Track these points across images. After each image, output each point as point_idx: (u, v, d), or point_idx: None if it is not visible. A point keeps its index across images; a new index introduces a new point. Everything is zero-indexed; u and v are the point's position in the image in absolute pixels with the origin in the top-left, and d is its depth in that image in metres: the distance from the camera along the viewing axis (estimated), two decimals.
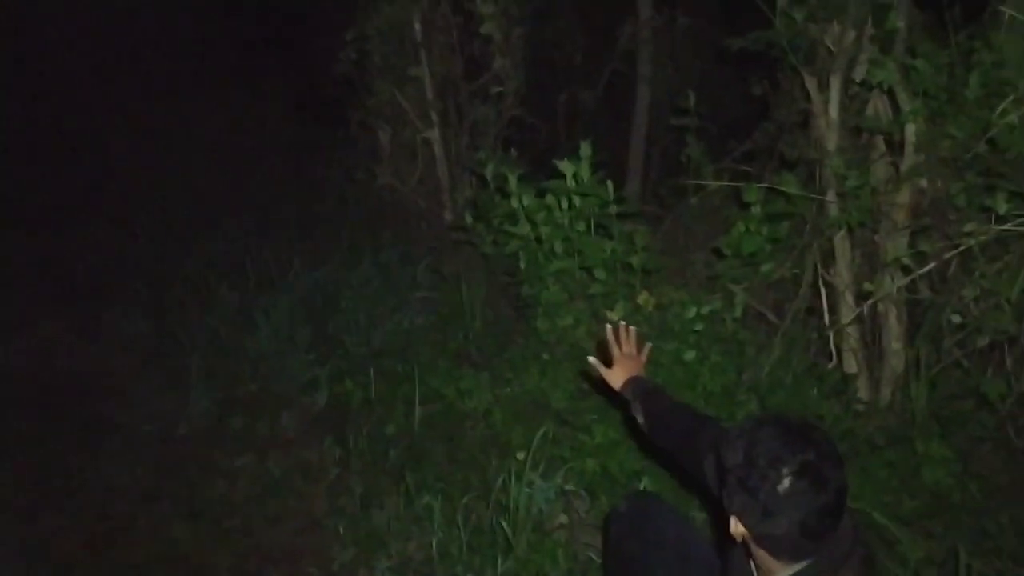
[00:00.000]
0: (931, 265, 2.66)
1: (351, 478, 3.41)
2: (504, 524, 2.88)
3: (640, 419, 2.38)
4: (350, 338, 4.30)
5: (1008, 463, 2.97)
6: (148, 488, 3.44)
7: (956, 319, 2.70)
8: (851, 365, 3.37)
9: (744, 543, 1.71)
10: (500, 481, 3.03)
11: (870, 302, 2.94)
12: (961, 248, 2.59)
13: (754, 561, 1.74)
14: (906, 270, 2.76)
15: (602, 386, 2.57)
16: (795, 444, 1.59)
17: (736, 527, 1.65)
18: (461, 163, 5.11)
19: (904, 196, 3.06)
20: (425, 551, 2.96)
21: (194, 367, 4.15)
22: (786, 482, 1.56)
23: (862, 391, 3.32)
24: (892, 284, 2.76)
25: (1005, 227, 2.51)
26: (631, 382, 2.45)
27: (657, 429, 2.33)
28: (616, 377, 2.49)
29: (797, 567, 1.64)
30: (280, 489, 3.41)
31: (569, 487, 3.12)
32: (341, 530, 3.15)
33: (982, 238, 2.55)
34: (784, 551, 1.62)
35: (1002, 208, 2.51)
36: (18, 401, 4.04)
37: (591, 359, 2.52)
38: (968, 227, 2.60)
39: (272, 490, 3.40)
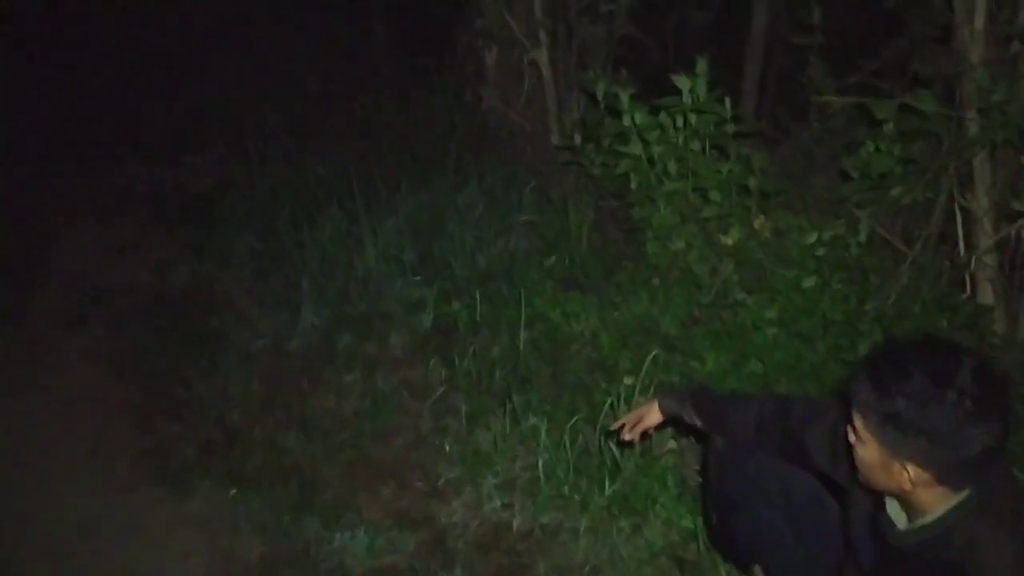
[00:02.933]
0: None
1: (457, 397, 3.41)
2: (612, 447, 2.83)
3: (698, 421, 2.22)
4: (456, 260, 4.28)
5: None
6: (261, 400, 3.51)
7: None
8: (986, 296, 3.16)
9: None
10: (608, 405, 2.97)
11: (1017, 226, 2.72)
12: None
13: (905, 501, 1.62)
14: None
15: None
16: (951, 357, 1.47)
17: (911, 477, 1.51)
18: (569, 84, 4.96)
19: None
20: (531, 471, 2.94)
21: (304, 285, 4.20)
22: (968, 401, 1.43)
23: (998, 324, 3.12)
24: None
25: None
26: (664, 400, 2.28)
27: (720, 424, 2.16)
28: (650, 414, 2.30)
29: (958, 498, 1.53)
30: (387, 405, 3.44)
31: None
32: (447, 447, 3.16)
33: None
34: (958, 478, 1.51)
35: None
36: (137, 316, 4.16)
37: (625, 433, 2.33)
38: None
39: (380, 406, 3.43)
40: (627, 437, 2.31)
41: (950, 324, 3.09)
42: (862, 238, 3.25)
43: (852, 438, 1.59)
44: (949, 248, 3.26)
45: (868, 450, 1.55)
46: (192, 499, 3.01)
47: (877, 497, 1.69)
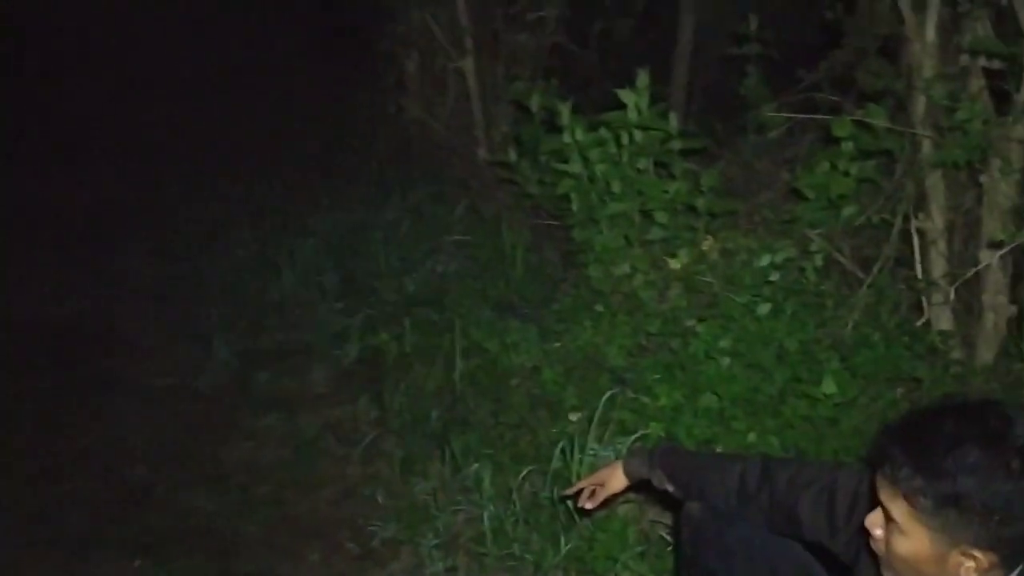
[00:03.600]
0: None
1: (389, 440, 3.13)
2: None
3: (670, 487, 1.94)
4: (381, 284, 3.99)
5: None
6: (165, 451, 3.16)
7: None
8: (943, 321, 3.02)
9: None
10: (559, 448, 2.72)
11: (1004, 251, 2.58)
12: None
13: None
14: None
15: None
16: (997, 418, 1.27)
17: (976, 565, 1.28)
18: (497, 95, 4.72)
19: (1020, 131, 2.68)
20: (475, 526, 2.67)
21: (212, 315, 3.84)
22: (1007, 479, 1.22)
23: (956, 351, 2.99)
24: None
25: None
26: (630, 463, 2.00)
27: (696, 490, 1.89)
28: (612, 480, 2.02)
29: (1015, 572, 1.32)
30: (312, 452, 3.13)
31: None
32: (380, 499, 2.87)
33: None
34: (1020, 553, 1.29)
35: None
36: (23, 353, 3.74)
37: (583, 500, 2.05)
38: None
39: (303, 453, 3.12)
40: (587, 506, 2.04)
41: (910, 352, 2.94)
42: (818, 262, 3.08)
43: (880, 531, 1.36)
44: (905, 272, 3.11)
45: (914, 542, 1.30)
46: (87, 573, 2.63)
47: None
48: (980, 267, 2.71)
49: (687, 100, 5.38)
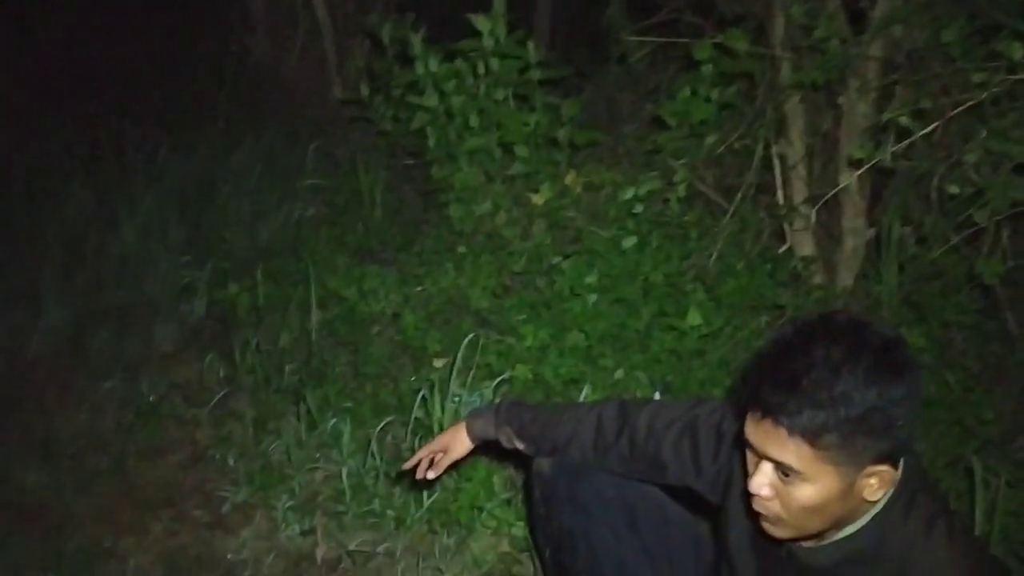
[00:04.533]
0: (935, 124, 2.26)
1: (240, 399, 2.91)
2: None
3: (520, 445, 1.81)
4: (232, 234, 3.71)
5: (982, 351, 2.69)
6: None
7: (954, 190, 2.34)
8: (805, 247, 3.01)
9: None
10: (420, 396, 2.58)
11: (862, 170, 2.54)
12: (969, 103, 2.20)
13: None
14: (902, 133, 2.37)
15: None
16: (851, 325, 1.19)
17: (878, 482, 1.21)
18: (350, 29, 4.45)
19: (877, 48, 2.64)
20: (334, 484, 2.51)
21: (44, 272, 3.50)
22: (898, 382, 1.15)
23: (817, 275, 2.99)
24: (885, 150, 2.37)
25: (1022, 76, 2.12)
26: (474, 424, 1.84)
27: (548, 445, 1.76)
28: (456, 444, 1.85)
29: (888, 493, 1.25)
30: (156, 416, 2.88)
31: (497, 400, 2.69)
32: (231, 462, 2.67)
33: (995, 90, 2.16)
34: (902, 453, 1.23)
35: (1017, 53, 2.11)
36: None
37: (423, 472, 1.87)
38: (978, 77, 2.20)
39: (146, 418, 2.87)
40: (429, 476, 1.86)
41: (773, 279, 2.91)
42: (682, 192, 3.00)
43: (768, 490, 1.23)
44: (767, 199, 3.08)
45: (820, 485, 1.19)
46: None
47: None
48: (838, 188, 2.68)
49: (551, 31, 5.23)
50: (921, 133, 2.26)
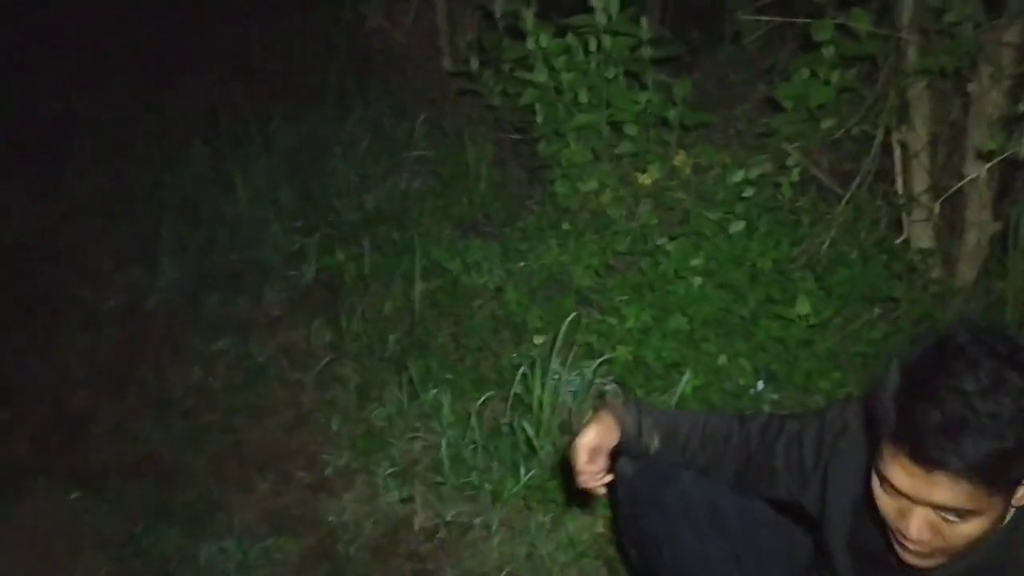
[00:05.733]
0: None
1: (345, 365, 2.98)
2: (526, 426, 2.45)
3: (656, 440, 1.65)
4: (340, 202, 3.79)
5: None
6: (110, 375, 3.00)
7: None
8: (923, 239, 2.90)
9: None
10: (520, 372, 2.59)
11: (993, 162, 2.43)
12: None
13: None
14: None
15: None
16: (999, 353, 1.12)
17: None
18: (463, 1, 4.45)
19: (1013, 34, 2.51)
20: (433, 454, 2.55)
21: (162, 233, 3.65)
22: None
23: (935, 269, 2.87)
24: (1020, 142, 2.26)
25: None
26: (621, 412, 1.67)
27: (676, 444, 1.64)
28: (607, 435, 1.65)
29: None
30: (264, 377, 2.98)
31: (598, 380, 2.69)
32: (335, 427, 2.74)
33: None
34: None
35: None
36: None
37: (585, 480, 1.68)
38: None
39: (254, 379, 2.97)
40: (594, 484, 1.68)
41: (888, 271, 2.82)
42: (795, 177, 2.92)
43: (929, 535, 1.15)
44: (885, 187, 2.97)
45: (988, 515, 1.13)
46: (23, 505, 2.50)
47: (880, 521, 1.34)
48: (966, 180, 2.56)
49: (662, 6, 5.13)
50: None
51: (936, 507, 1.12)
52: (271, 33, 5.00)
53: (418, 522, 2.39)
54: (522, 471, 2.40)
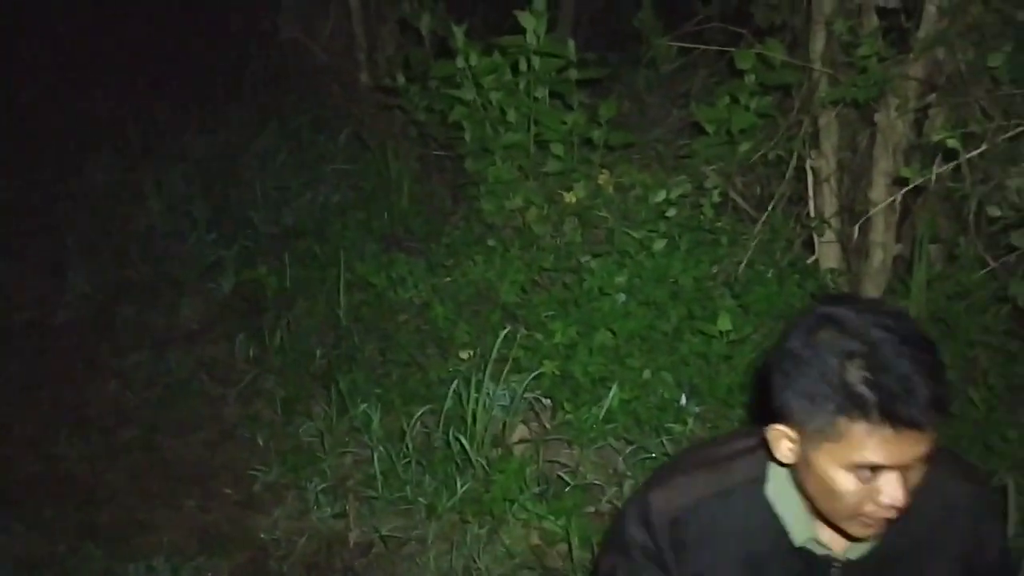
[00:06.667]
0: (982, 147, 2.30)
1: (269, 380, 2.95)
2: (460, 438, 2.47)
3: None
4: (257, 215, 3.74)
5: (1007, 370, 2.74)
6: (22, 390, 2.88)
7: (994, 212, 2.38)
8: (832, 259, 3.05)
9: None
10: (453, 386, 2.61)
11: (906, 189, 2.58)
12: (1019, 128, 2.24)
13: None
14: (949, 155, 2.41)
15: None
16: (898, 314, 1.19)
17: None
18: (382, 15, 4.46)
19: (918, 69, 2.68)
20: (365, 469, 2.55)
21: (69, 245, 3.52)
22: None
23: (844, 288, 3.02)
24: (931, 171, 2.41)
25: None
26: None
27: None
28: None
29: None
30: (184, 392, 2.92)
31: (527, 394, 2.73)
32: (261, 442, 2.70)
33: None
34: None
35: None
36: None
37: None
38: None
39: (175, 393, 2.91)
40: None
41: (801, 289, 2.96)
42: (715, 198, 3.04)
43: (912, 486, 1.16)
44: (798, 210, 3.11)
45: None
46: None
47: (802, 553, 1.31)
48: (879, 207, 2.72)
49: (574, 30, 5.24)
50: (968, 156, 2.30)
51: (911, 465, 1.15)
52: (184, 44, 4.90)
53: (352, 537, 2.38)
54: (457, 484, 2.41)
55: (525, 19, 3.01)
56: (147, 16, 5.00)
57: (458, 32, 3.16)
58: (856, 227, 2.97)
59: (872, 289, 2.99)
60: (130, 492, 2.52)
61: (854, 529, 1.23)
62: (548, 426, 2.66)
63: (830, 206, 3.04)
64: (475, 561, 2.27)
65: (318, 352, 2.96)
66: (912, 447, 1.13)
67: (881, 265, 2.96)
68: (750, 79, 2.86)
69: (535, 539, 2.33)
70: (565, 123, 3.14)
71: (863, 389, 1.12)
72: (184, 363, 3.04)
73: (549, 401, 2.79)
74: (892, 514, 1.18)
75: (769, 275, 2.96)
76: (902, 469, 1.15)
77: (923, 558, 1.29)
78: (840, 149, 3.05)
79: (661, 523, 1.34)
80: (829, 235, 3.04)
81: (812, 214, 3.07)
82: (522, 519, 2.37)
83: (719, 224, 3.08)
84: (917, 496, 1.19)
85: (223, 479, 2.59)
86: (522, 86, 3.15)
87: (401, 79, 3.59)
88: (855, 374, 1.12)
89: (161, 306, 3.32)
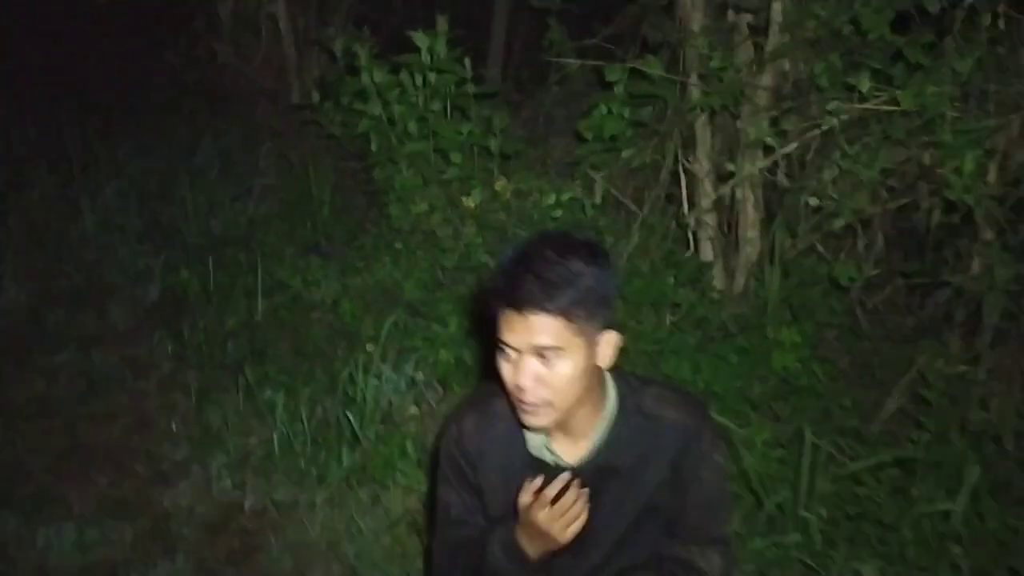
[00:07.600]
0: (792, 145, 2.59)
1: (186, 373, 3.17)
2: (351, 416, 2.72)
3: None
4: (187, 227, 3.97)
5: (852, 348, 3.02)
6: None
7: (814, 202, 2.67)
8: (707, 253, 3.33)
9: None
10: (347, 373, 2.86)
11: (731, 184, 2.87)
12: (823, 128, 2.53)
13: (567, 428, 1.56)
14: (768, 151, 2.70)
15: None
16: (571, 238, 1.49)
17: (608, 345, 1.48)
18: (309, 40, 4.74)
19: (767, 78, 2.98)
20: (266, 447, 2.78)
21: (5, 256, 3.74)
22: (606, 264, 1.48)
23: (717, 279, 3.30)
24: (753, 165, 2.69)
25: (867, 105, 2.46)
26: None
27: None
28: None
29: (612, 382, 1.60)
30: (106, 386, 3.13)
31: (420, 378, 2.97)
32: (174, 427, 2.92)
33: (844, 117, 2.50)
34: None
35: (865, 86, 2.46)
36: None
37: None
38: (830, 105, 2.54)
39: (97, 387, 3.12)
40: None
41: (675, 280, 3.22)
42: (597, 199, 3.32)
43: (533, 378, 1.42)
44: (675, 208, 3.39)
45: (575, 355, 1.42)
46: None
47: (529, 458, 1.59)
48: (709, 203, 2.98)
49: (506, 51, 5.53)
50: (782, 152, 2.59)
51: (537, 349, 1.41)
52: (122, 65, 5.14)
53: (248, 504, 2.61)
54: (344, 455, 2.65)
55: (418, 38, 3.29)
56: (87, 39, 5.24)
57: (362, 52, 3.44)
58: (725, 222, 3.27)
59: (741, 279, 3.27)
60: (47, 472, 2.73)
61: (523, 418, 1.50)
62: (435, 406, 2.90)
63: (704, 204, 3.32)
64: (356, 521, 2.51)
65: (231, 347, 3.19)
66: (528, 332, 1.40)
67: (747, 258, 3.24)
68: (619, 90, 3.14)
69: (413, 502, 2.57)
70: (461, 133, 3.41)
71: (498, 280, 1.43)
72: (109, 361, 3.25)
73: (442, 387, 3.04)
74: (524, 396, 1.45)
75: (645, 269, 3.23)
76: (524, 351, 1.42)
77: (638, 467, 1.58)
78: (713, 152, 3.34)
79: (462, 450, 1.62)
80: (703, 232, 3.33)
81: (686, 212, 3.35)
82: (402, 485, 2.61)
83: (602, 223, 3.36)
84: (637, 418, 1.55)
85: (135, 459, 2.80)
86: (421, 100, 3.42)
87: (316, 97, 3.85)
88: (499, 272, 1.45)
89: (90, 310, 3.53)
